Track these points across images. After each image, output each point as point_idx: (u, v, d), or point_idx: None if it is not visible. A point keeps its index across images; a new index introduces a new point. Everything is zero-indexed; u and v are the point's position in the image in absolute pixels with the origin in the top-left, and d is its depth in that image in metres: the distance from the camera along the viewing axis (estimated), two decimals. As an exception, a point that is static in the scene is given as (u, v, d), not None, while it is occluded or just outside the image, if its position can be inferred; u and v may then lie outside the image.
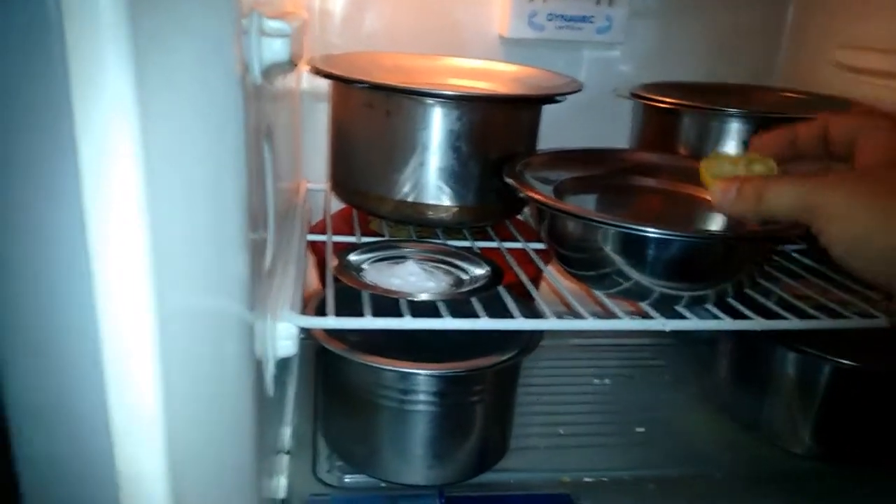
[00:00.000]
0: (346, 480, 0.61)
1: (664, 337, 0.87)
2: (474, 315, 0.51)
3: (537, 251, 0.65)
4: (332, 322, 0.50)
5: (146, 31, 0.23)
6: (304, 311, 0.51)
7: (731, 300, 0.55)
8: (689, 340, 0.86)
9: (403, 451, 0.58)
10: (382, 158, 0.63)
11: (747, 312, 0.55)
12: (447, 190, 0.62)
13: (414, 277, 0.56)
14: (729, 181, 0.42)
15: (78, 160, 0.23)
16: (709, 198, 0.45)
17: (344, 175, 0.68)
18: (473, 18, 0.79)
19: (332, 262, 0.57)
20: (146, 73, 0.23)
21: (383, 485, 0.60)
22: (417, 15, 0.78)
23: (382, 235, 0.68)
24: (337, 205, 0.75)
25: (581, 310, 0.53)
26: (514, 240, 0.68)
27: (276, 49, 0.37)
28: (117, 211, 0.23)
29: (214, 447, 0.35)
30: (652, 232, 0.49)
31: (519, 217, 0.74)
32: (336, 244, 0.63)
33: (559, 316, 0.54)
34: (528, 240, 0.67)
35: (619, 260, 0.51)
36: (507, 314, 0.53)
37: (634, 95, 0.73)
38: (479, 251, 0.62)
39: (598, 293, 0.56)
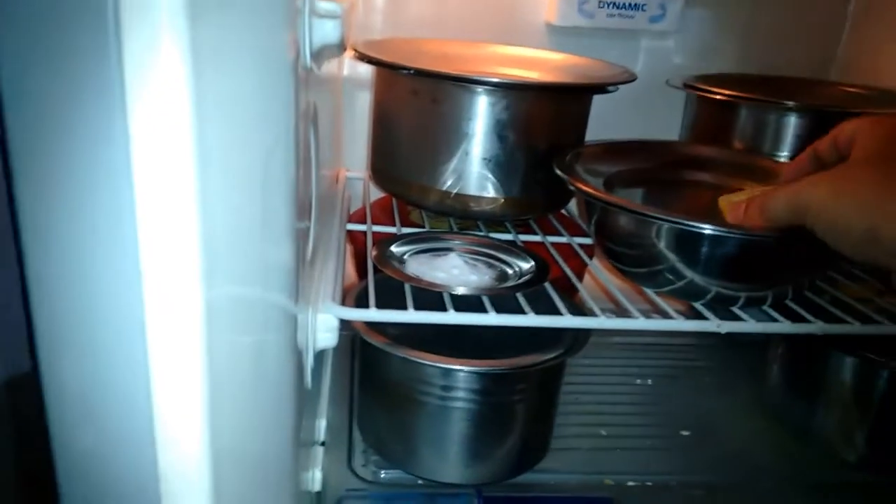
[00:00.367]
0: (382, 476, 0.60)
1: (708, 337, 0.84)
2: (518, 310, 0.49)
3: (581, 246, 0.63)
4: (374, 314, 0.49)
5: (200, 7, 0.22)
6: (344, 302, 0.50)
7: (787, 301, 0.53)
8: (733, 342, 0.83)
9: (442, 449, 0.57)
10: (426, 147, 0.61)
11: (807, 315, 0.52)
12: (492, 181, 0.61)
13: (457, 270, 0.55)
14: (739, 203, 0.47)
15: (129, 148, 0.22)
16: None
17: (385, 164, 0.67)
18: (521, 5, 0.77)
19: (373, 252, 0.56)
20: (199, 54, 0.22)
21: (420, 482, 0.59)
22: (463, 1, 0.76)
23: (422, 226, 0.67)
24: (375, 194, 0.74)
25: (631, 308, 0.51)
26: (558, 233, 0.66)
27: (327, 31, 0.36)
28: (168, 200, 0.22)
29: (254, 439, 0.34)
30: (710, 229, 0.47)
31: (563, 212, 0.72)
32: (375, 234, 0.62)
33: (607, 314, 0.52)
34: (572, 234, 0.65)
35: (673, 257, 0.49)
36: (552, 310, 0.51)
37: (688, 87, 0.70)
38: (522, 244, 0.61)
39: (649, 291, 0.54)
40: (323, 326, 0.47)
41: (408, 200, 0.67)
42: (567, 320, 0.50)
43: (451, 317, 0.48)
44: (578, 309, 0.53)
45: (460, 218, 0.66)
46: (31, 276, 0.24)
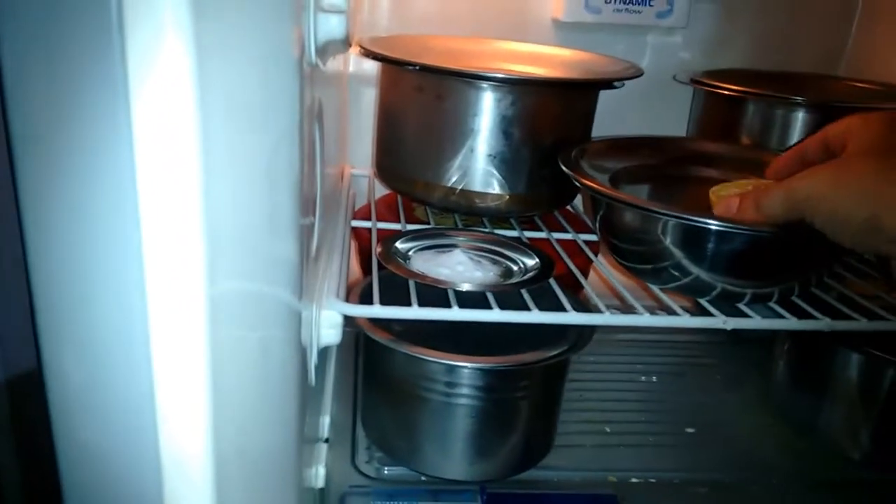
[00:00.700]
0: (386, 472, 0.60)
1: (713, 334, 0.84)
2: (523, 307, 0.49)
3: (586, 242, 0.63)
4: (378, 311, 0.49)
5: (204, 2, 0.21)
6: (348, 298, 0.50)
7: (793, 298, 0.53)
8: (739, 338, 0.83)
9: (446, 446, 0.57)
10: (431, 144, 0.61)
11: (813, 312, 0.52)
12: (497, 177, 0.60)
13: (462, 267, 0.55)
14: (730, 198, 0.47)
15: (133, 143, 0.21)
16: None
17: (390, 160, 0.67)
18: (527, 1, 0.76)
19: (378, 249, 0.55)
20: (203, 49, 0.21)
21: (424, 479, 0.59)
22: (468, -4, 0.76)
23: (427, 223, 0.66)
24: (380, 191, 0.74)
25: (636, 305, 0.51)
26: (563, 230, 0.65)
27: (332, 26, 0.36)
28: (172, 196, 0.22)
29: (258, 435, 0.34)
30: (717, 225, 0.46)
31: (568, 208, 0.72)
32: (380, 231, 0.62)
33: (612, 311, 0.51)
34: (577, 231, 0.65)
35: (679, 253, 0.49)
36: (557, 307, 0.51)
37: (696, 82, 0.70)
38: (527, 241, 0.60)
39: (654, 287, 0.54)
40: (327, 323, 0.47)
41: (413, 197, 0.67)
42: (571, 317, 0.50)
43: (456, 313, 0.48)
44: (583, 305, 0.53)
45: (465, 214, 0.66)
46: (35, 272, 0.23)
